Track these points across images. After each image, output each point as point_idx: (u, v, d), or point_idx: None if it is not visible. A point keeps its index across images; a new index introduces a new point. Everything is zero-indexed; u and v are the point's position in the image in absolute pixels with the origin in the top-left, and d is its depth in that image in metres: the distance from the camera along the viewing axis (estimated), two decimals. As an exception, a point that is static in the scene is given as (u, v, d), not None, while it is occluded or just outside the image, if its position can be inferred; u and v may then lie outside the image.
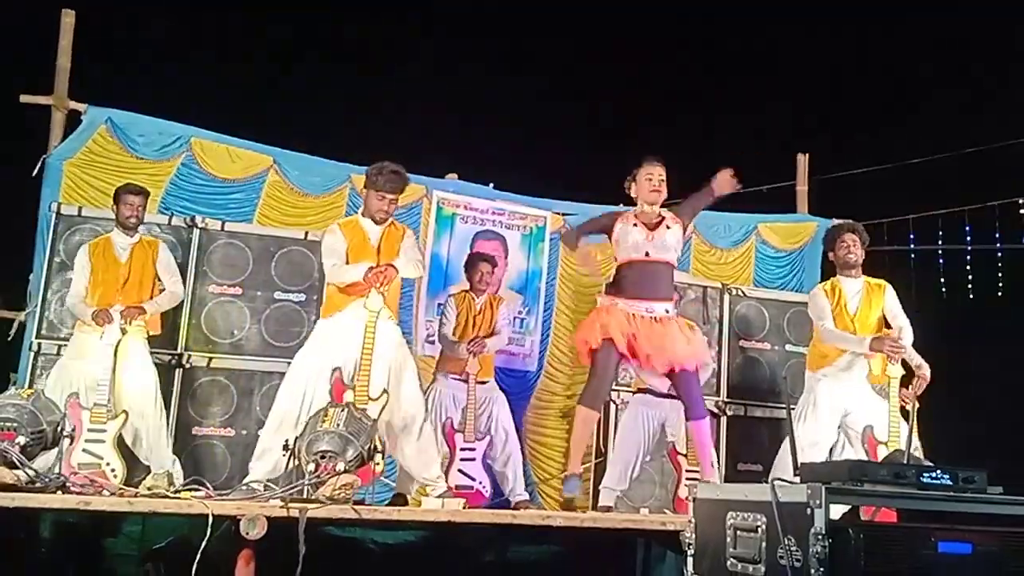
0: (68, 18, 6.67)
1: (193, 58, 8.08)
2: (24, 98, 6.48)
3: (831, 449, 5.33)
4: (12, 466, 3.66)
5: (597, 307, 5.19)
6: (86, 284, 5.31)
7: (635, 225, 5.03)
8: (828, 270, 7.76)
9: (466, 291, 6.31)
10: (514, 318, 7.46)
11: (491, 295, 6.37)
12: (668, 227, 5.03)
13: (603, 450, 6.67)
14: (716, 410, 6.67)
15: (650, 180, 5.06)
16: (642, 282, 4.98)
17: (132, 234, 5.45)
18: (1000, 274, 7.80)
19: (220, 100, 7.64)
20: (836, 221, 8.06)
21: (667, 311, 4.98)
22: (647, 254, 4.98)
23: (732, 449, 6.59)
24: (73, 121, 6.54)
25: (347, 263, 4.84)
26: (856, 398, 5.29)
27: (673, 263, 5.12)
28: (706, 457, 5.00)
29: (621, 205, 7.51)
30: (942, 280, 8.20)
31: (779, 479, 2.60)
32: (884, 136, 8.92)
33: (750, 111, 9.31)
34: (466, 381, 5.94)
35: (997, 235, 7.92)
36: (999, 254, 7.95)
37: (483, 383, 6.08)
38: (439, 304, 7.04)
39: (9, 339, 6.05)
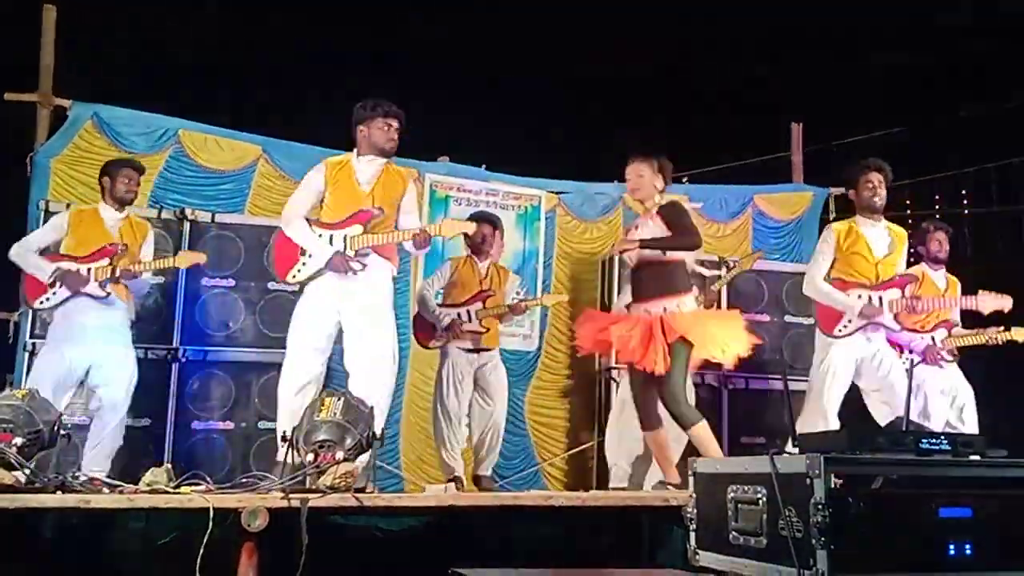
0: (50, 14, 6.63)
1: (179, 49, 8.03)
2: (8, 96, 6.45)
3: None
4: (10, 467, 3.64)
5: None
6: (54, 243, 5.15)
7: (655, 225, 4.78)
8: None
9: (467, 256, 6.15)
10: (512, 299, 7.45)
11: (495, 263, 6.22)
12: (637, 227, 4.85)
13: (602, 427, 6.68)
14: (717, 384, 6.66)
15: (630, 179, 4.89)
16: (643, 283, 4.78)
17: (122, 210, 5.28)
18: (999, 236, 7.79)
19: (207, 91, 7.60)
20: (833, 190, 8.09)
21: (679, 305, 4.73)
22: (665, 253, 4.74)
23: (734, 423, 6.58)
24: (59, 118, 6.52)
25: (322, 206, 4.69)
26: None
27: (664, 260, 4.80)
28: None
29: (616, 182, 7.57)
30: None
31: (781, 450, 2.58)
32: (878, 103, 8.88)
33: (742, 82, 9.26)
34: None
35: (994, 198, 7.92)
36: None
37: (480, 351, 6.01)
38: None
39: (10, 342, 6.04)
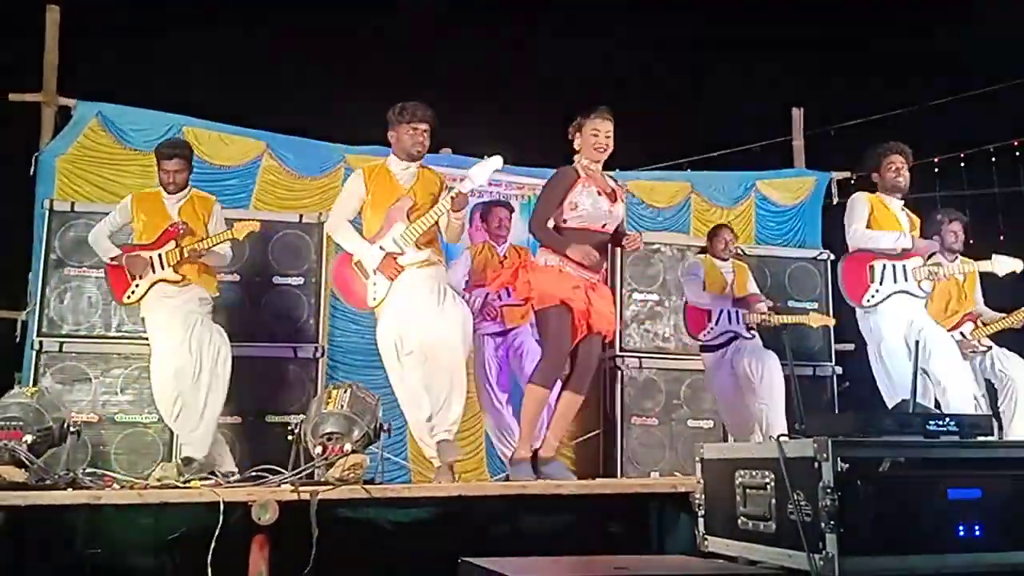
0: (53, 14, 6.65)
1: (178, 45, 8.03)
2: (13, 96, 6.48)
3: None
4: (20, 464, 3.67)
5: (543, 265, 4.52)
6: (121, 227, 5.12)
7: (599, 194, 4.51)
8: (828, 224, 7.76)
9: (484, 242, 6.09)
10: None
11: (514, 245, 6.16)
12: (621, 200, 4.64)
13: (608, 415, 6.68)
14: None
15: (596, 136, 4.51)
16: (597, 253, 4.49)
17: (178, 193, 5.13)
18: (1000, 217, 7.77)
19: (210, 87, 7.60)
20: (835, 175, 8.09)
21: (599, 280, 4.63)
22: (604, 226, 4.55)
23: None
24: (64, 117, 6.53)
25: (364, 212, 4.67)
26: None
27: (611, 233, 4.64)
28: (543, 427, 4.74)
29: (616, 170, 7.58)
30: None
31: (786, 434, 2.59)
32: (878, 86, 8.85)
33: (743, 66, 9.23)
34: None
35: (995, 179, 7.89)
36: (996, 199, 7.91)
37: (506, 332, 5.90)
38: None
39: (16, 340, 6.07)
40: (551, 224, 4.53)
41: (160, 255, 4.99)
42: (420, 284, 4.55)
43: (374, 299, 4.60)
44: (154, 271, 4.97)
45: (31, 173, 6.29)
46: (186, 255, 4.98)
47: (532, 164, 7.73)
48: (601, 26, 9.34)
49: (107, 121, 6.56)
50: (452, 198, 4.53)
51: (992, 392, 5.62)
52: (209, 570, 3.31)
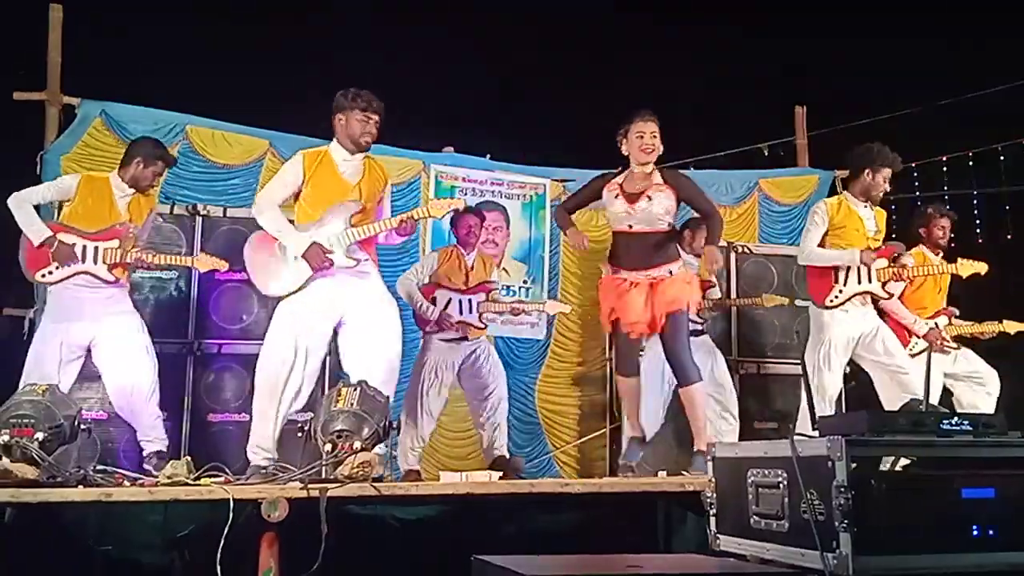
0: (56, 13, 6.64)
1: (183, 44, 8.03)
2: (17, 95, 6.47)
3: None
4: (32, 462, 3.67)
5: (602, 279, 4.97)
6: (56, 203, 5.08)
7: (617, 196, 4.74)
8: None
9: (454, 247, 6.08)
10: (519, 287, 7.46)
11: (486, 255, 6.17)
12: (650, 197, 4.66)
13: (616, 416, 6.69)
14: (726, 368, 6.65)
15: (641, 138, 4.70)
16: (632, 253, 4.72)
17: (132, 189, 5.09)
18: (1008, 216, 7.77)
19: (213, 85, 7.60)
20: (839, 172, 8.09)
21: (671, 272, 4.72)
22: (630, 227, 4.71)
23: (746, 408, 6.56)
24: (68, 116, 6.53)
25: (299, 199, 4.53)
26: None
27: (662, 230, 4.74)
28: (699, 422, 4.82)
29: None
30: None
31: (800, 434, 2.59)
32: (881, 84, 8.85)
33: (745, 65, 9.23)
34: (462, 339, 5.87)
35: (1002, 177, 7.89)
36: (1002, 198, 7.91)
37: (463, 340, 5.89)
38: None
39: (25, 338, 6.07)
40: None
41: (96, 248, 4.90)
42: (343, 291, 4.47)
43: (283, 288, 4.51)
44: (83, 262, 4.89)
45: (36, 172, 6.28)
46: (129, 260, 4.91)
47: (533, 163, 7.75)
48: (602, 25, 9.34)
49: (111, 120, 6.55)
50: (401, 221, 4.47)
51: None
52: (218, 567, 3.32)
